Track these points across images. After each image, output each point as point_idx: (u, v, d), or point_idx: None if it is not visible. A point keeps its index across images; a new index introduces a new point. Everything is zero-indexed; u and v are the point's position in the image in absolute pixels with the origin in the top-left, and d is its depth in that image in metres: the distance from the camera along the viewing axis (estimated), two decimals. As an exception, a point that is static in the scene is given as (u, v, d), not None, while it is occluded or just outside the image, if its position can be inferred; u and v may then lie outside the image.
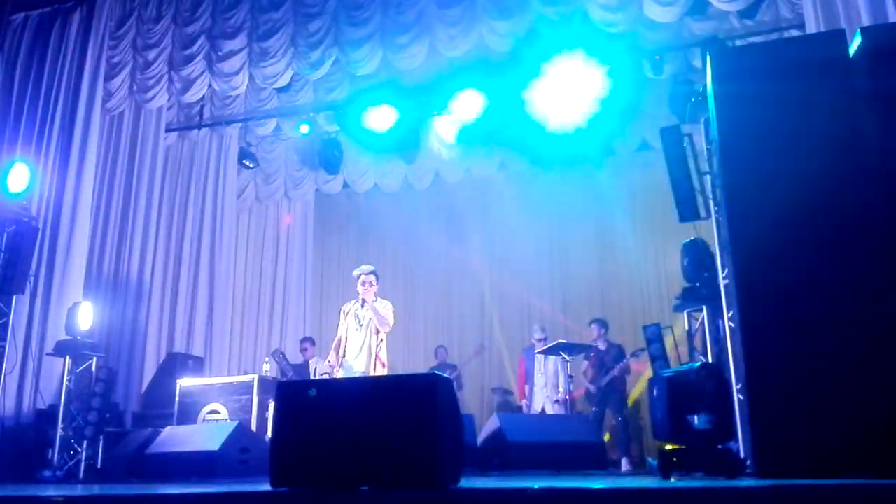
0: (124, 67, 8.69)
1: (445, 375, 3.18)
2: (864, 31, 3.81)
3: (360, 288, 6.07)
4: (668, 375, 4.14)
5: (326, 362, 6.31)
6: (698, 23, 7.80)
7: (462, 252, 11.35)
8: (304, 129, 9.63)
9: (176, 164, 9.85)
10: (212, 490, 3.24)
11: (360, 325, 6.02)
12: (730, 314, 5.13)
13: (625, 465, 7.74)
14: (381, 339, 6.03)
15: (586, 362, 8.33)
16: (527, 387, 8.56)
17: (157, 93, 8.69)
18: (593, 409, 8.13)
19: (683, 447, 3.89)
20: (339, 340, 6.16)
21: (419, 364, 10.40)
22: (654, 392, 4.18)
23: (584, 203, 10.54)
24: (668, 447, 4.02)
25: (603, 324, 8.45)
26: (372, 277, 6.05)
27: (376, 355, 5.95)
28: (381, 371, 5.98)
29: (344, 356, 6.03)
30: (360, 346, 5.97)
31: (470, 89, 8.54)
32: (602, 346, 8.27)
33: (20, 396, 7.32)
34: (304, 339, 8.80)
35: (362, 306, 6.04)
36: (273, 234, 11.32)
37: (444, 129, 9.32)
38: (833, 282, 3.41)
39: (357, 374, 5.85)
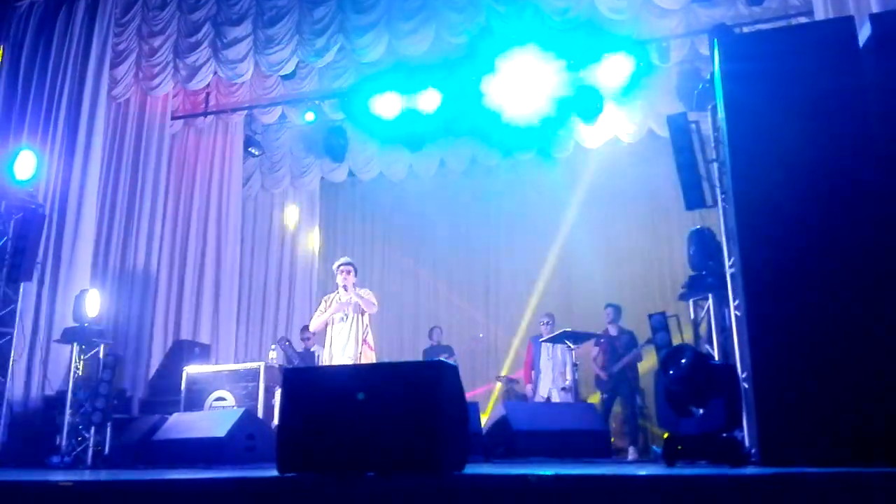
0: (130, 55, 8.68)
1: (451, 363, 3.19)
2: (873, 17, 3.77)
3: (339, 279, 6.34)
4: (657, 370, 4.20)
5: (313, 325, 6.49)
6: (705, 9, 7.74)
7: (467, 240, 11.35)
8: (310, 116, 9.63)
9: (181, 151, 9.86)
10: (219, 476, 3.26)
11: (345, 315, 6.22)
12: (736, 303, 5.11)
13: (632, 453, 7.74)
14: (367, 325, 6.25)
15: (597, 348, 8.31)
16: (532, 373, 8.58)
17: (162, 80, 8.69)
18: (602, 396, 8.12)
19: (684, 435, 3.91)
20: (321, 324, 6.35)
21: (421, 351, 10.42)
22: (657, 382, 4.20)
23: (591, 191, 10.51)
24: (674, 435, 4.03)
25: (617, 309, 8.40)
26: (349, 267, 6.34)
27: (363, 341, 6.16)
28: (370, 355, 6.19)
29: (331, 345, 6.22)
30: (347, 336, 6.18)
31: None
32: (613, 332, 8.24)
33: (28, 383, 7.37)
34: (305, 328, 8.83)
35: (345, 291, 6.25)
36: (279, 222, 11.34)
37: None
38: (840, 271, 3.40)
39: (347, 363, 6.02)
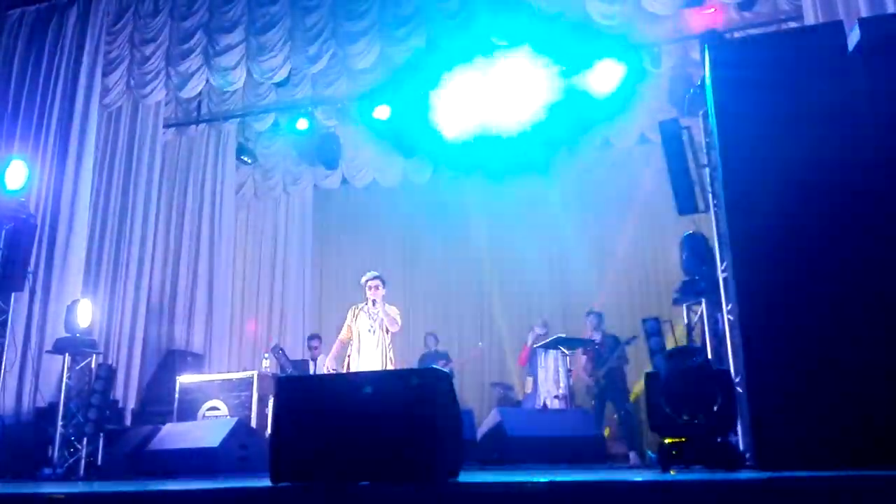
0: (121, 62, 8.65)
1: (445, 370, 3.19)
2: (862, 22, 3.79)
3: (368, 293, 6.43)
4: (648, 372, 4.20)
5: (325, 367, 6.56)
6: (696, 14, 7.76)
7: (461, 247, 11.34)
8: (303, 124, 9.60)
9: (174, 159, 9.84)
10: (212, 486, 3.24)
11: (373, 327, 6.33)
12: (728, 307, 5.12)
13: (633, 458, 7.68)
14: (391, 341, 6.38)
15: (584, 356, 8.32)
16: (529, 379, 8.56)
17: (154, 88, 8.66)
18: (592, 402, 8.11)
19: (682, 440, 3.90)
20: (343, 343, 6.46)
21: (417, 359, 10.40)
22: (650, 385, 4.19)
23: (584, 197, 10.53)
24: (668, 440, 4.02)
25: (598, 316, 8.42)
26: (378, 282, 6.44)
27: (388, 355, 6.29)
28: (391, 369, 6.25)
29: (358, 355, 6.31)
30: (375, 346, 6.31)
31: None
32: (598, 339, 8.24)
33: (20, 394, 7.31)
34: (312, 337, 8.80)
35: (373, 305, 6.36)
36: (272, 230, 11.32)
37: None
38: (831, 274, 3.41)
39: None
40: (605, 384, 7.97)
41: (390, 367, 6.27)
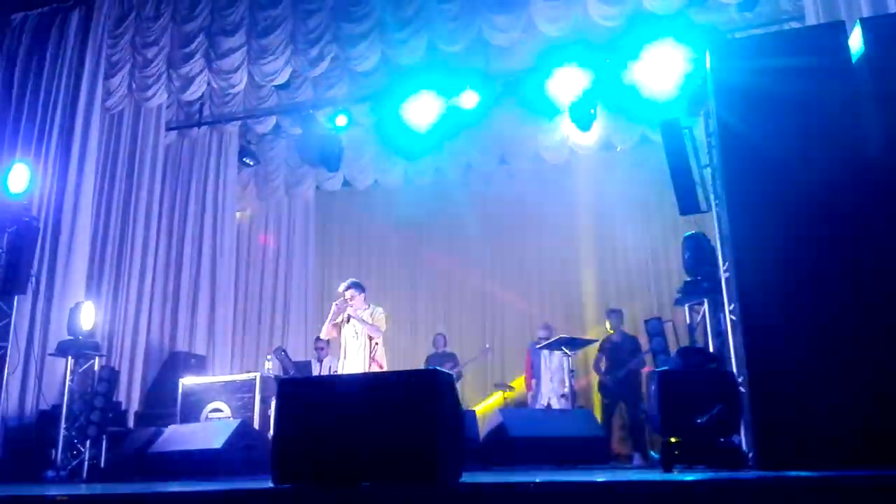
0: (123, 66, 8.68)
1: (446, 371, 3.19)
2: (863, 22, 3.79)
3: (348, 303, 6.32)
4: (660, 371, 4.19)
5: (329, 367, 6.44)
6: (698, 15, 7.77)
7: (463, 248, 11.34)
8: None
9: (176, 162, 9.85)
10: (215, 488, 3.24)
11: (357, 333, 6.25)
12: (731, 307, 5.12)
13: (637, 459, 7.64)
14: (376, 343, 6.26)
15: (600, 353, 8.27)
16: (533, 381, 8.55)
17: (156, 91, 8.69)
18: (604, 401, 8.06)
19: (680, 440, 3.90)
20: (329, 331, 6.35)
21: (422, 361, 10.41)
22: (652, 386, 4.19)
23: (585, 197, 10.52)
24: (672, 440, 4.02)
25: (618, 314, 8.34)
26: (350, 292, 6.25)
27: (371, 358, 6.18)
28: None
29: (345, 359, 6.25)
30: (357, 352, 6.23)
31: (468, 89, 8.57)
32: (616, 338, 8.18)
33: (23, 397, 7.33)
34: (320, 338, 8.80)
35: (348, 321, 6.24)
36: (274, 232, 11.33)
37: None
38: (832, 274, 3.41)
39: None
40: (622, 385, 7.91)
41: (376, 368, 6.16)
